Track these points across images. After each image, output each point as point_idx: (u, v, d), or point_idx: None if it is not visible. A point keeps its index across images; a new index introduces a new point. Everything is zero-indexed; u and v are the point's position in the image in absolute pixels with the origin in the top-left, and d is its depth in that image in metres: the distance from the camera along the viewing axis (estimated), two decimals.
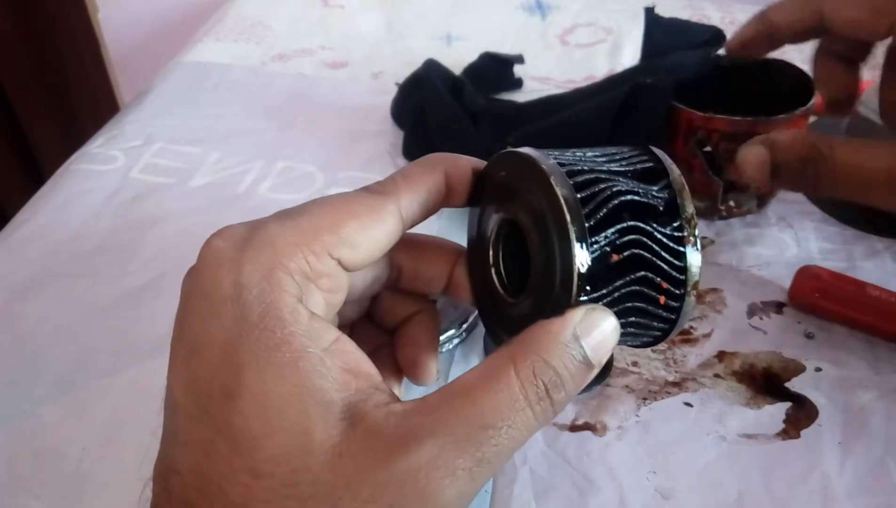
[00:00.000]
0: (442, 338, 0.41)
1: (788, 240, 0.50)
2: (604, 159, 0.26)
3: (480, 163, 0.28)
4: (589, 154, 0.26)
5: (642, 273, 0.24)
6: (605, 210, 0.24)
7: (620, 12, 0.82)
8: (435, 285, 0.30)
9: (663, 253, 0.24)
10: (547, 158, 0.24)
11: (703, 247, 0.49)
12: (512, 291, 0.27)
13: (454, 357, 0.41)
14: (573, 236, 0.23)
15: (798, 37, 0.42)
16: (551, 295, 0.24)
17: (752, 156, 0.36)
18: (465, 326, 0.42)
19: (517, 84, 0.69)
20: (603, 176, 0.24)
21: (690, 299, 0.25)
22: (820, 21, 0.39)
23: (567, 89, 0.62)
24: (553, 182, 0.23)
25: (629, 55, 0.73)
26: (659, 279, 0.24)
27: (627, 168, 0.25)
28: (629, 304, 0.24)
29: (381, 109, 0.64)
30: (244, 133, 0.62)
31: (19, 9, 0.98)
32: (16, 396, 0.39)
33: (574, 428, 0.38)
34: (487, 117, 0.57)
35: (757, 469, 0.36)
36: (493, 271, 0.28)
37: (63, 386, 0.40)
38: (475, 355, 0.42)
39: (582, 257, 0.23)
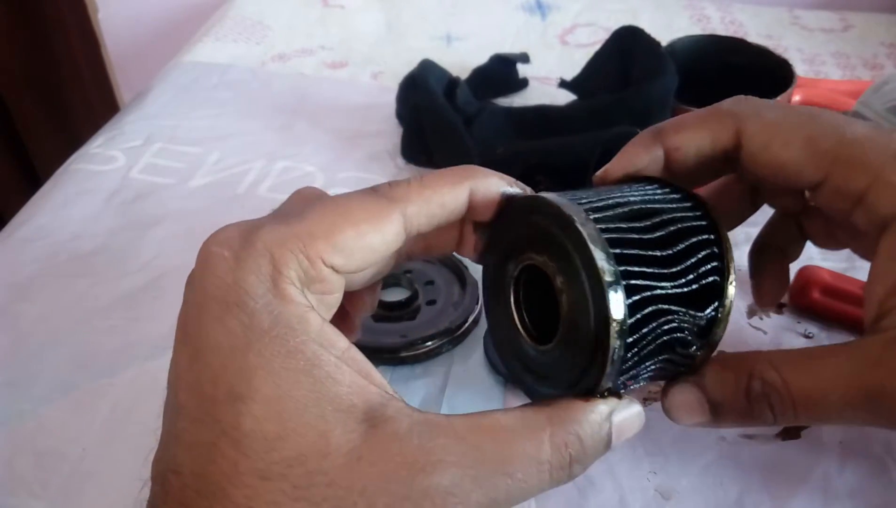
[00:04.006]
0: (441, 339, 0.41)
1: None
2: (669, 254, 0.24)
3: (511, 182, 0.27)
4: (652, 234, 0.24)
5: (667, 357, 0.25)
6: (646, 351, 0.24)
7: (620, 12, 0.82)
8: (448, 252, 0.30)
9: (678, 361, 0.25)
10: (597, 244, 0.22)
11: None
12: (535, 333, 0.27)
13: (454, 358, 0.41)
14: (610, 360, 0.23)
15: (701, 168, 0.30)
16: (582, 371, 0.24)
17: (680, 400, 0.28)
18: (464, 327, 0.42)
19: (523, 84, 0.69)
20: (661, 308, 0.23)
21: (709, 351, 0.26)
22: (735, 153, 0.29)
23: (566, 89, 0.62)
24: (608, 304, 0.22)
25: None
26: (674, 363, 0.25)
27: (689, 281, 0.24)
28: (652, 369, 0.25)
29: (381, 109, 0.64)
30: (244, 133, 0.62)
31: (18, 9, 0.98)
32: (16, 396, 0.39)
33: None
34: (480, 121, 0.58)
35: (757, 469, 0.35)
36: (513, 309, 0.27)
37: (63, 386, 0.40)
38: (475, 356, 0.42)
39: (607, 380, 0.23)
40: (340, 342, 0.23)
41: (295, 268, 0.23)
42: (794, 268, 0.45)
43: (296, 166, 0.58)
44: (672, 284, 0.23)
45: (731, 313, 0.25)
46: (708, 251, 0.24)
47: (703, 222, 0.24)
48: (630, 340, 0.23)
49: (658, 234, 0.24)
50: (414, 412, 0.23)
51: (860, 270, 0.47)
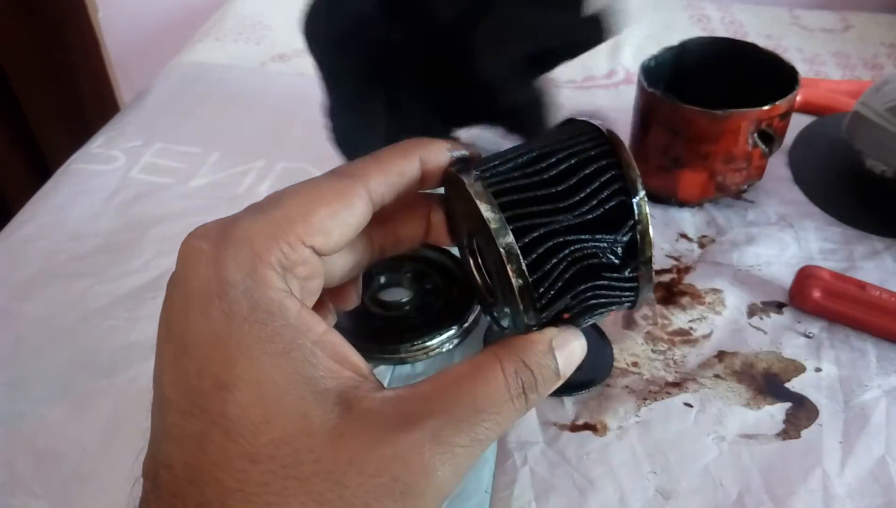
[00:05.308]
0: (441, 338, 0.41)
1: (789, 240, 0.50)
2: (564, 189, 0.25)
3: (456, 146, 0.28)
4: (544, 175, 0.25)
5: (592, 286, 0.25)
6: (559, 285, 0.25)
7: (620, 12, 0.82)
8: (416, 242, 0.31)
9: (616, 285, 0.26)
10: (482, 198, 0.24)
11: (703, 246, 0.49)
12: (491, 287, 0.29)
13: (454, 358, 0.41)
14: (522, 308, 0.24)
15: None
16: (513, 313, 0.26)
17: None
18: (464, 326, 0.42)
19: None
20: (559, 241, 0.24)
21: (645, 290, 0.26)
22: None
23: (568, 89, 0.62)
24: (504, 259, 0.24)
25: (629, 55, 0.73)
26: (611, 288, 0.26)
27: (589, 209, 0.25)
28: (589, 296, 0.26)
29: None
30: (244, 133, 0.62)
31: (20, 9, 0.98)
32: (16, 396, 0.39)
33: (574, 428, 0.37)
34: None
35: (757, 469, 0.35)
36: (473, 268, 0.29)
37: (63, 386, 0.40)
38: None
39: (530, 318, 0.25)
40: (318, 326, 0.24)
41: (276, 253, 0.23)
42: (794, 268, 0.45)
43: (296, 166, 0.58)
44: (571, 215, 0.25)
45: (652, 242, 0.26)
46: (607, 176, 0.25)
47: (601, 150, 0.25)
48: (536, 276, 0.24)
49: (552, 173, 0.25)
50: (383, 389, 0.24)
51: (860, 269, 0.47)
